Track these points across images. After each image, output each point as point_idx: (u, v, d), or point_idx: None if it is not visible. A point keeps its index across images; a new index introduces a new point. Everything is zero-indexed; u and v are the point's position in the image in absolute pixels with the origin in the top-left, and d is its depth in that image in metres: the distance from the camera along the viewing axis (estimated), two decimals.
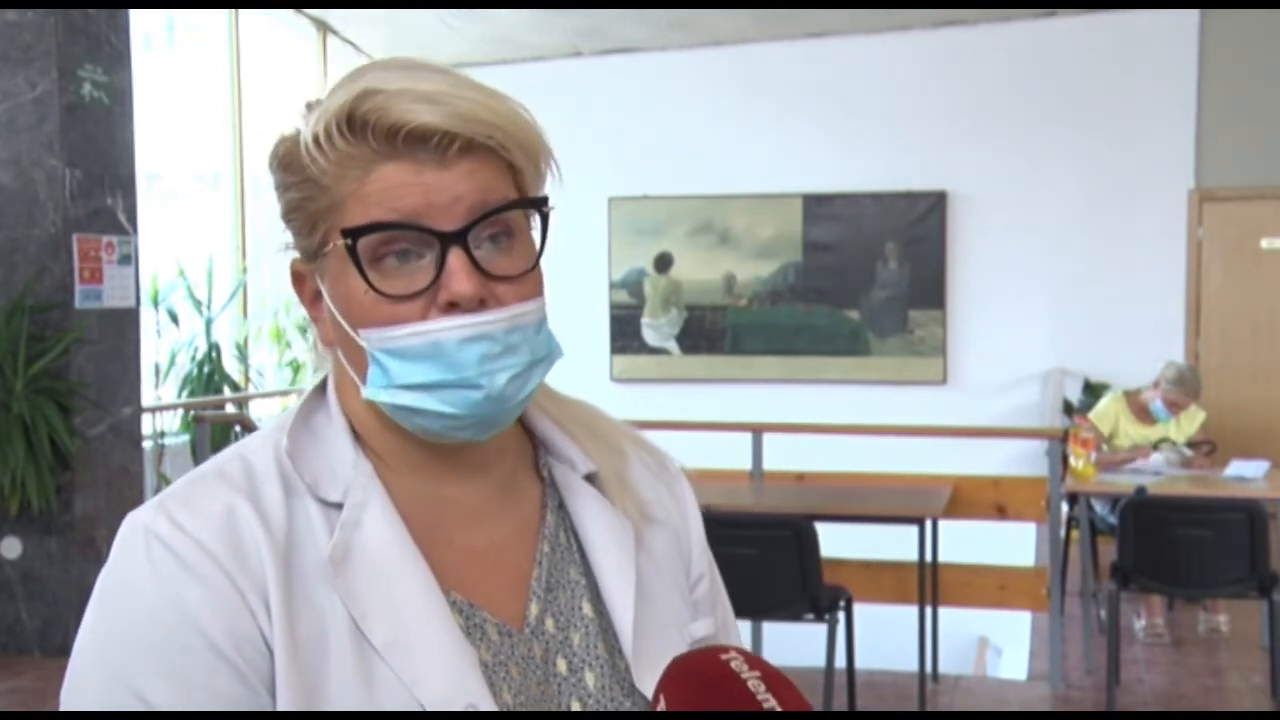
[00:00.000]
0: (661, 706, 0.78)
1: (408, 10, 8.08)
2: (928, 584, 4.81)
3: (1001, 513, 5.36)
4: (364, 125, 0.84)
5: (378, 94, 0.84)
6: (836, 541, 4.55)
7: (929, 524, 4.73)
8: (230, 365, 7.73)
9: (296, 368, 8.36)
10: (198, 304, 7.45)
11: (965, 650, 6.87)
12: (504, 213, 0.87)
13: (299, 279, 0.94)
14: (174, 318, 7.35)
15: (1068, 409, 7.55)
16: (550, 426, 1.00)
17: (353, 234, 0.84)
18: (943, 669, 5.02)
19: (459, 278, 0.84)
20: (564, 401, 1.03)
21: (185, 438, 6.97)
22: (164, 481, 6.90)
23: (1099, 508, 5.51)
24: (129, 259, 5.45)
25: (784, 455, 5.60)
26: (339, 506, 0.88)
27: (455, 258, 0.85)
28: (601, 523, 0.97)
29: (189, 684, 0.81)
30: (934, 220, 8.46)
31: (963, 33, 8.35)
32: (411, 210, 0.84)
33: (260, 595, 0.83)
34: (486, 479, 0.95)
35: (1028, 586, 5.27)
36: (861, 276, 8.62)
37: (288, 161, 0.89)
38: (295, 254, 0.94)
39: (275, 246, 0.95)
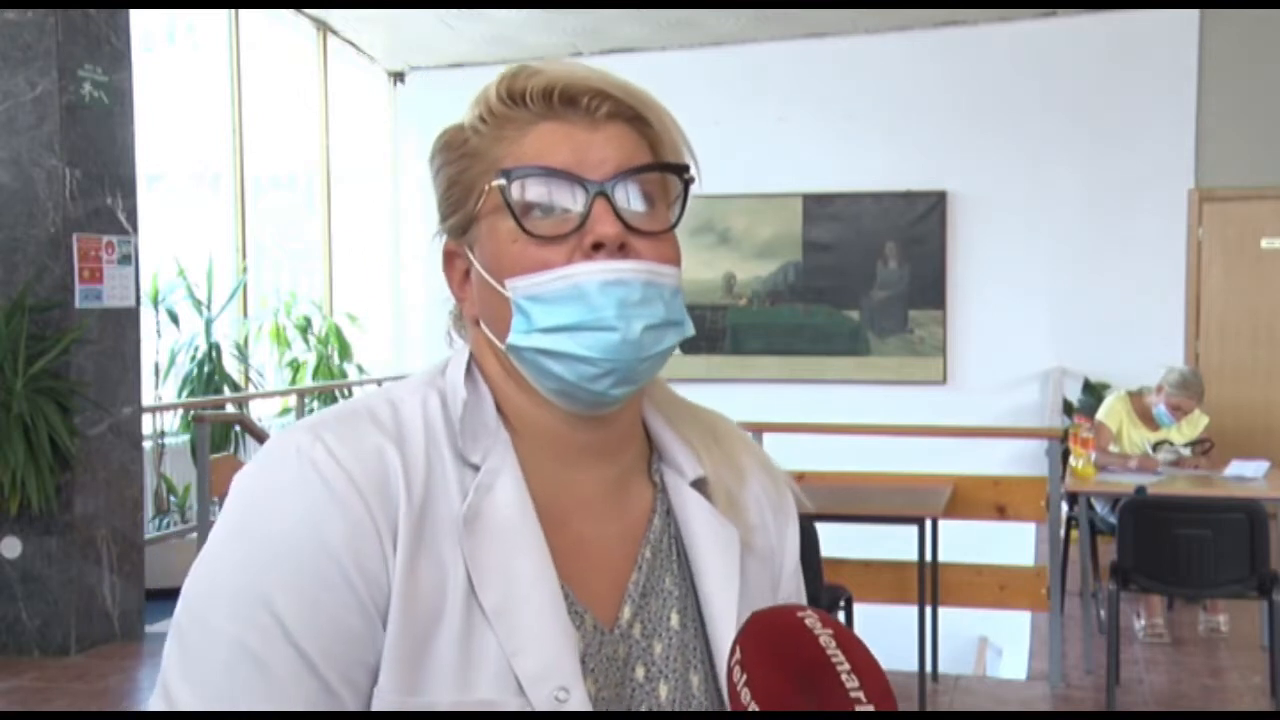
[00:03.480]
0: (738, 656, 0.80)
1: (408, 10, 8.08)
2: (928, 584, 4.81)
3: (1001, 513, 5.36)
4: (522, 93, 0.92)
5: (532, 68, 0.93)
6: (836, 541, 4.55)
7: (929, 524, 4.73)
8: (230, 365, 7.73)
9: (296, 368, 8.36)
10: (198, 304, 7.45)
11: (965, 650, 6.87)
12: (646, 173, 0.92)
13: (450, 260, 0.98)
14: (174, 318, 7.35)
15: (1068, 409, 7.55)
16: (666, 431, 1.01)
17: (507, 175, 0.90)
18: (943, 669, 5.02)
19: (604, 220, 0.89)
20: (687, 406, 1.04)
21: (185, 438, 6.97)
22: (164, 481, 6.90)
23: (1099, 508, 5.51)
24: (129, 259, 5.45)
25: (784, 455, 5.51)
26: (476, 469, 0.91)
27: (600, 205, 0.90)
28: (707, 531, 0.98)
29: (318, 607, 0.84)
30: (934, 220, 8.46)
31: (963, 33, 8.35)
32: (562, 163, 0.90)
33: (392, 537, 0.85)
34: (606, 470, 0.97)
35: (1028, 586, 5.27)
36: (861, 276, 8.62)
37: (446, 144, 0.96)
38: (444, 241, 0.99)
39: (429, 236, 1.01)
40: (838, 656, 0.78)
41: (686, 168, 0.95)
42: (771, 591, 1.04)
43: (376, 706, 0.85)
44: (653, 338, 0.90)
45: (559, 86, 0.91)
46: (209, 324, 7.47)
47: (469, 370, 0.96)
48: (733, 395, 8.57)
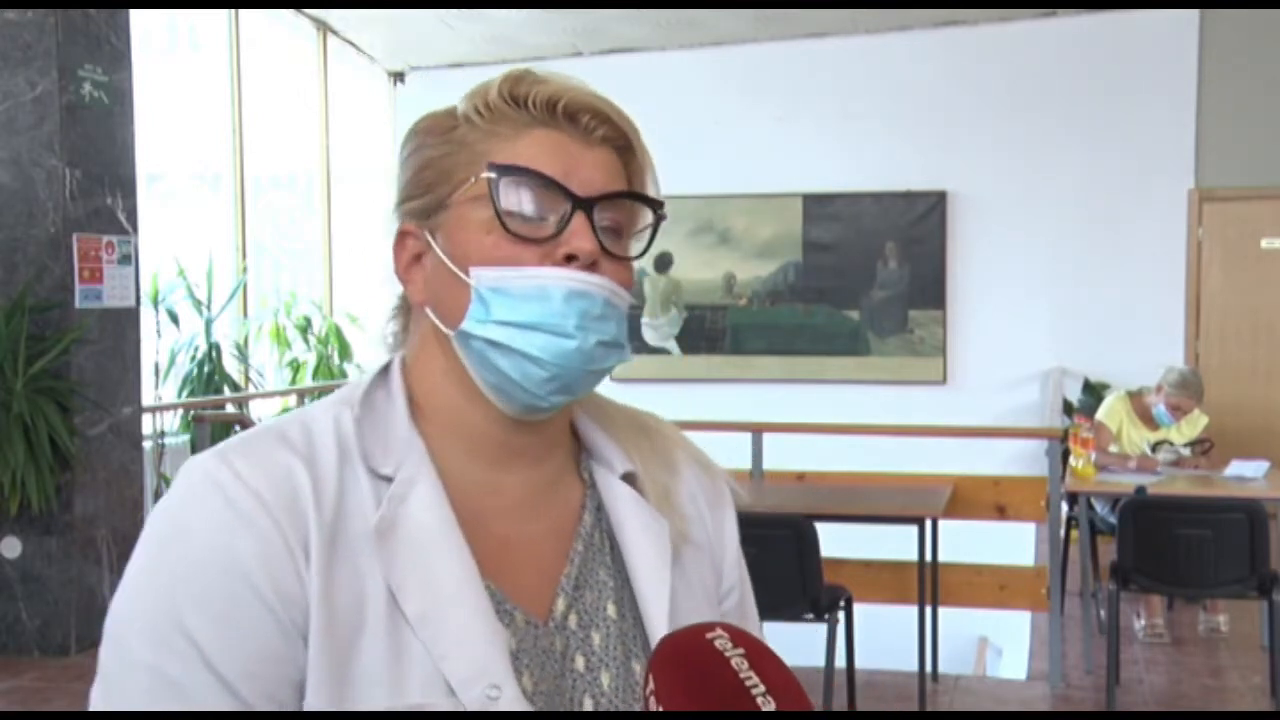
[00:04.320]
0: (651, 686, 0.81)
1: (408, 10, 8.08)
2: (928, 584, 4.81)
3: (1001, 513, 5.36)
4: (524, 97, 0.94)
5: (536, 76, 0.95)
6: (836, 541, 4.55)
7: (929, 524, 4.73)
8: (230, 365, 7.73)
9: (296, 367, 8.36)
10: (198, 304, 7.45)
11: (965, 650, 6.87)
12: (623, 202, 0.95)
13: (402, 240, 0.98)
14: (174, 318, 7.35)
15: (1068, 409, 7.55)
16: (594, 428, 1.03)
17: (500, 170, 0.92)
18: (943, 669, 5.02)
19: (582, 235, 0.92)
20: (617, 407, 1.06)
21: (185, 438, 6.97)
22: (164, 481, 6.90)
23: (1099, 508, 5.51)
24: (129, 259, 5.45)
25: (784, 455, 5.60)
26: (389, 480, 0.91)
27: (580, 220, 0.92)
28: (638, 523, 0.99)
29: (233, 627, 0.84)
30: (934, 220, 8.46)
31: (963, 33, 8.35)
32: (553, 173, 0.92)
33: (305, 553, 0.86)
34: (536, 471, 0.98)
35: (1028, 586, 5.27)
36: (861, 276, 8.62)
37: (429, 128, 0.97)
38: (398, 223, 0.99)
39: (381, 219, 1.02)
40: (751, 679, 0.79)
41: (662, 204, 0.98)
42: (715, 580, 1.05)
43: None
44: (602, 353, 0.93)
45: (564, 99, 0.93)
46: (209, 324, 7.47)
47: (385, 379, 0.98)
48: (733, 395, 8.58)
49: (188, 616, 0.84)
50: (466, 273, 0.92)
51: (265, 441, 0.91)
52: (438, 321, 0.95)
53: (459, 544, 0.90)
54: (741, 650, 0.81)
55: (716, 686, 0.79)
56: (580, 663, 0.94)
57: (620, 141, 0.96)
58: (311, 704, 0.85)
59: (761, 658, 0.81)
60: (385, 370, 0.99)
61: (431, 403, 0.96)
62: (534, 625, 0.93)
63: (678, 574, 0.99)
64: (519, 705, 0.87)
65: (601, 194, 0.93)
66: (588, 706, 0.93)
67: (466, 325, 0.92)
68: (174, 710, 0.84)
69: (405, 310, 1.02)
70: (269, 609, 0.85)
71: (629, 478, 1.01)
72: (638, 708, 0.94)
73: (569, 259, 0.91)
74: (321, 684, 0.85)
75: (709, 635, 0.82)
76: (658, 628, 0.95)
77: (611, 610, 0.97)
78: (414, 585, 0.88)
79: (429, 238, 0.96)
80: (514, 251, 0.91)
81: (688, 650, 0.82)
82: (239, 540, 0.85)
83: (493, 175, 0.91)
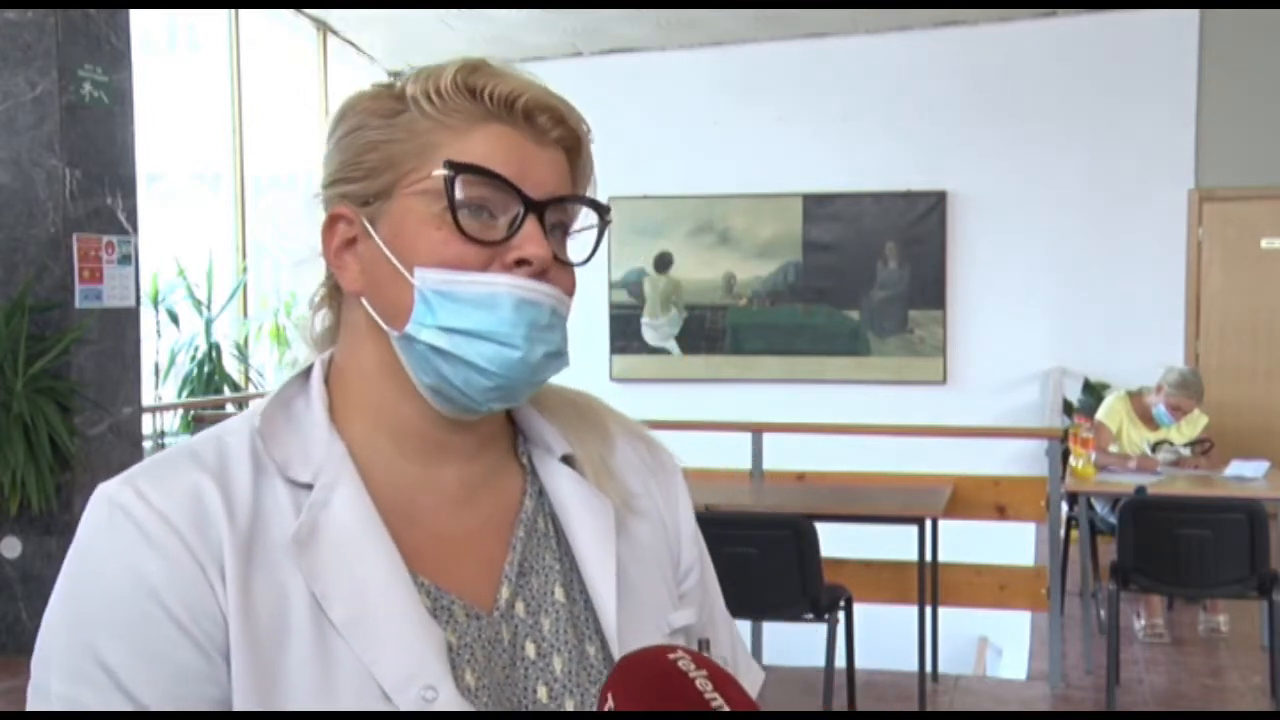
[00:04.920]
0: (609, 706, 0.79)
1: (408, 10, 8.08)
2: (928, 584, 4.81)
3: (1001, 513, 5.36)
4: (480, 89, 0.91)
5: (492, 69, 0.92)
6: (836, 541, 4.55)
7: (929, 524, 4.73)
8: (230, 365, 7.73)
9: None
10: (198, 304, 7.46)
11: (965, 650, 6.87)
12: (572, 205, 0.94)
13: (333, 224, 0.94)
14: (174, 318, 7.36)
15: (1068, 409, 7.55)
16: (531, 413, 1.00)
17: (456, 168, 0.88)
18: (943, 669, 5.02)
19: (535, 240, 0.89)
20: (551, 388, 1.02)
21: (185, 438, 6.97)
22: None
23: (1099, 508, 5.51)
24: (129, 259, 5.45)
25: (784, 455, 5.60)
26: (309, 488, 0.89)
27: (532, 224, 0.90)
28: (580, 504, 0.97)
29: (147, 650, 0.83)
30: (934, 220, 8.46)
31: (963, 33, 8.35)
32: (508, 173, 0.89)
33: (218, 569, 0.84)
34: (472, 465, 0.96)
35: (1028, 586, 5.27)
36: (861, 276, 8.62)
37: (371, 108, 0.93)
38: (328, 203, 0.95)
39: (309, 196, 0.97)
40: (717, 699, 0.76)
41: (609, 209, 0.97)
42: (668, 553, 1.03)
43: None
44: (546, 364, 0.91)
45: (524, 97, 0.90)
46: (209, 324, 7.47)
47: (304, 383, 0.96)
48: (733, 395, 8.58)
49: (100, 644, 0.83)
50: (410, 270, 0.89)
51: (172, 462, 0.89)
52: (375, 316, 0.92)
53: (384, 544, 0.88)
54: (705, 672, 0.78)
55: (678, 705, 0.76)
56: (531, 650, 0.92)
57: (573, 143, 0.95)
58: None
59: (725, 681, 0.78)
60: (305, 374, 0.97)
61: (359, 399, 0.94)
62: (476, 617, 0.91)
63: (625, 546, 0.97)
64: (457, 704, 0.85)
65: (553, 197, 0.91)
66: (541, 694, 0.91)
67: (411, 329, 0.89)
68: None
69: (333, 297, 0.98)
70: (181, 628, 0.83)
71: (568, 460, 0.99)
72: (593, 692, 0.92)
73: (519, 263, 0.89)
74: (248, 699, 0.83)
75: (670, 656, 0.80)
76: (606, 605, 0.94)
77: (560, 594, 0.95)
78: (339, 591, 0.86)
79: (366, 225, 0.92)
80: (462, 251, 0.88)
81: (649, 669, 0.79)
82: (147, 563, 0.83)
83: (449, 173, 0.88)
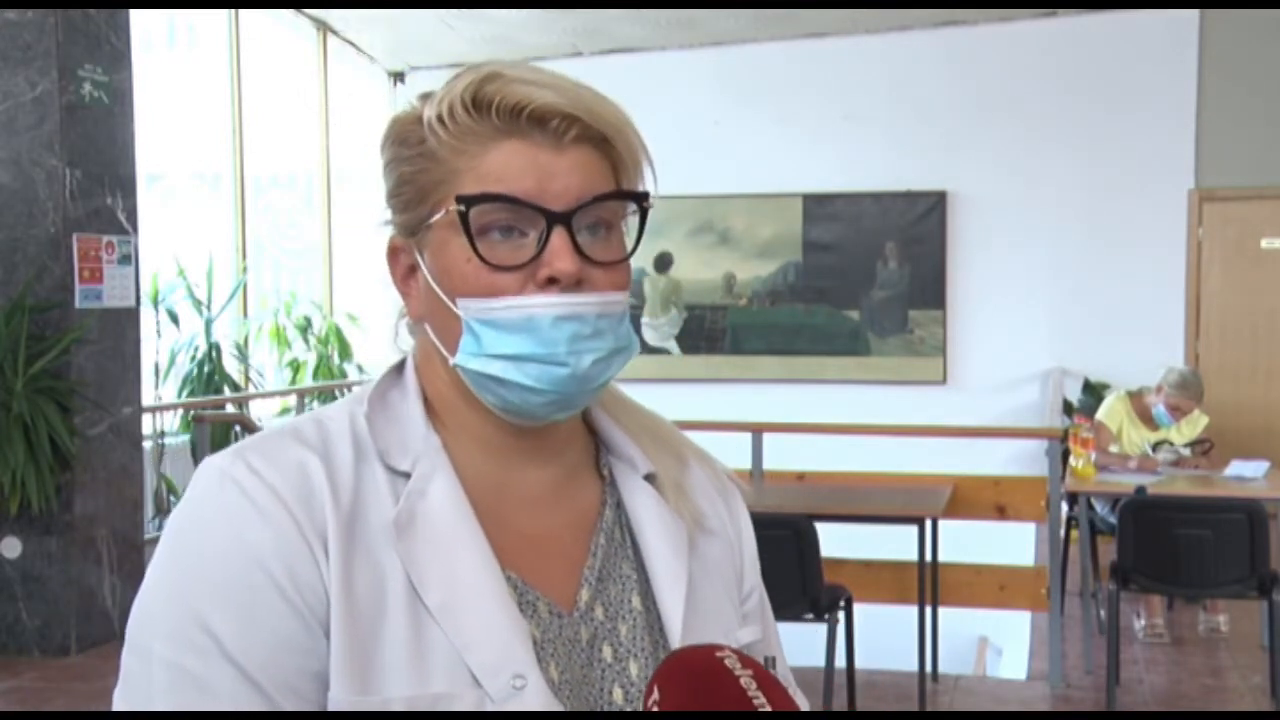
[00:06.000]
0: (655, 698, 0.80)
1: (408, 10, 8.08)
2: (928, 584, 4.81)
3: (1001, 513, 5.36)
4: (488, 104, 0.89)
5: (503, 77, 0.90)
6: (836, 541, 4.55)
7: (929, 524, 4.73)
8: (230, 365, 7.73)
9: (296, 368, 8.36)
10: (198, 304, 7.46)
11: (965, 650, 6.87)
12: (607, 201, 0.91)
13: (394, 254, 0.97)
14: (174, 318, 7.35)
15: (1068, 409, 7.54)
16: (613, 427, 1.03)
17: (467, 201, 0.89)
18: (943, 669, 5.02)
19: (562, 255, 0.89)
20: (630, 405, 1.06)
21: (185, 438, 6.97)
22: (164, 481, 6.91)
23: (1099, 508, 5.51)
24: (129, 259, 5.45)
25: (784, 455, 5.60)
26: (406, 476, 0.92)
27: (559, 237, 0.89)
28: (658, 522, 0.99)
29: (252, 619, 0.85)
30: (934, 220, 8.46)
31: (963, 33, 8.35)
32: (524, 189, 0.89)
33: (323, 544, 0.86)
34: (550, 468, 0.98)
35: (1027, 586, 5.27)
36: (861, 276, 8.62)
37: (402, 137, 0.93)
38: (391, 231, 0.97)
39: (374, 223, 0.99)
40: (759, 698, 0.78)
41: (646, 195, 0.95)
42: (734, 573, 1.05)
43: (333, 709, 0.85)
44: (600, 369, 0.91)
45: (530, 106, 0.89)
46: (209, 324, 7.47)
47: (399, 377, 0.98)
48: (733, 395, 8.58)
49: (206, 610, 0.85)
50: (454, 301, 0.91)
51: (280, 439, 0.91)
52: (436, 341, 0.94)
53: (478, 536, 0.90)
54: (750, 671, 0.80)
55: (724, 702, 0.78)
56: (608, 653, 0.94)
57: (597, 136, 0.91)
58: (335, 694, 0.85)
59: (769, 682, 0.80)
60: (399, 368, 0.99)
61: (440, 404, 0.96)
62: (558, 615, 0.93)
63: (695, 564, 0.99)
64: (544, 694, 0.87)
65: (578, 204, 0.89)
66: (617, 696, 0.93)
67: (461, 359, 0.91)
68: (196, 709, 0.84)
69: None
70: (286, 598, 0.85)
71: (650, 478, 1.01)
72: None
73: (551, 281, 0.89)
74: (343, 672, 0.85)
75: (719, 654, 0.82)
76: (673, 618, 0.95)
77: (637, 602, 0.97)
78: (434, 577, 0.88)
79: (418, 255, 0.94)
80: (494, 280, 0.89)
81: (696, 665, 0.81)
82: (256, 533, 0.85)
83: (461, 208, 0.88)
